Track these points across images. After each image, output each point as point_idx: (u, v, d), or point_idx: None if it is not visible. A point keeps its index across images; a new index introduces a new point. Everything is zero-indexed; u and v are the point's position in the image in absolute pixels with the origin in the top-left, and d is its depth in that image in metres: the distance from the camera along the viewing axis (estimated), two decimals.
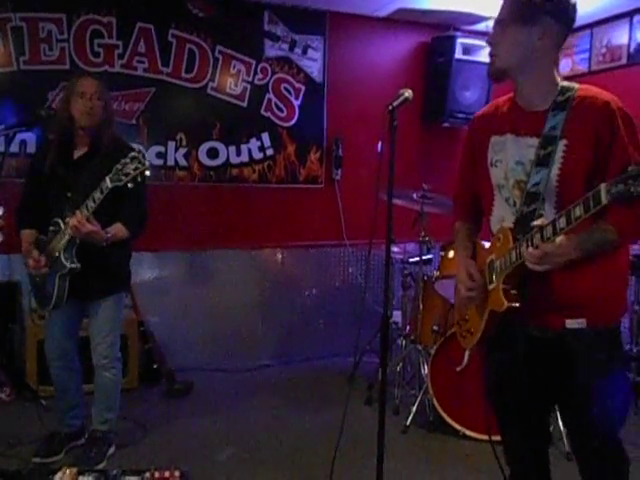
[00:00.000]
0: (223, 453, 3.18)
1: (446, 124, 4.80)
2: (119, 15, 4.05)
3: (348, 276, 4.91)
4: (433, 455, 3.22)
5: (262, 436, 3.39)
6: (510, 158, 1.85)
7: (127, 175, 2.53)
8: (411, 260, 4.02)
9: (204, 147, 4.38)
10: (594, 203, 1.48)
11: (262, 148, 4.54)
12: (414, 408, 3.48)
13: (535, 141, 1.79)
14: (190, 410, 3.72)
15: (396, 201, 3.70)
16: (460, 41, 4.59)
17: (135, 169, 2.53)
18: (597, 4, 4.13)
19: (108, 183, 2.56)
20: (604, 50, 4.57)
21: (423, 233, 3.78)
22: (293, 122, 4.59)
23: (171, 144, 4.29)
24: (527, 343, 1.87)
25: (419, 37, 4.87)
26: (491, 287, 1.88)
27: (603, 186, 1.44)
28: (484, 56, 4.65)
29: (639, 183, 1.37)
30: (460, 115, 4.73)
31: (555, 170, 1.74)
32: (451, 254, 3.68)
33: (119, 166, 2.54)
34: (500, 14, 1.82)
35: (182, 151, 4.32)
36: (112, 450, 3.09)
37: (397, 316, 4.25)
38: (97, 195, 2.61)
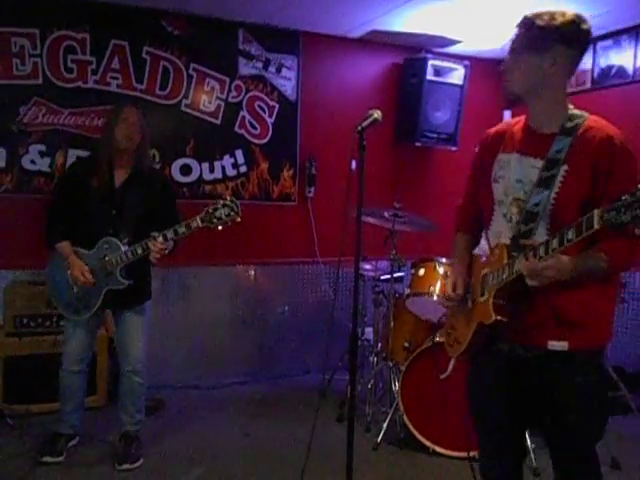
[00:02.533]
0: (193, 472, 3.15)
1: (418, 143, 4.87)
2: (93, 31, 4.05)
3: (321, 293, 4.92)
4: (403, 472, 3.23)
5: (232, 454, 3.37)
6: (512, 176, 1.90)
7: (219, 219, 2.84)
8: (382, 278, 4.06)
9: (177, 163, 4.38)
10: (586, 227, 1.53)
11: (235, 165, 4.55)
12: (385, 425, 3.49)
13: (539, 162, 1.84)
14: (160, 428, 3.68)
15: (368, 219, 3.75)
16: (431, 63, 4.68)
17: (227, 215, 2.84)
18: None
19: (199, 222, 2.85)
20: None
21: (394, 251, 3.82)
22: (267, 140, 4.62)
23: None
24: (510, 360, 1.91)
25: (391, 58, 4.95)
26: (481, 300, 1.92)
27: (596, 212, 1.50)
28: (454, 78, 4.78)
29: (631, 212, 1.42)
30: (431, 135, 4.82)
31: (553, 194, 1.79)
32: (422, 272, 3.73)
33: (210, 209, 2.83)
34: (513, 42, 1.87)
35: (155, 167, 4.32)
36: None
37: (369, 333, 4.27)
38: (182, 230, 2.89)
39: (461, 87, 4.80)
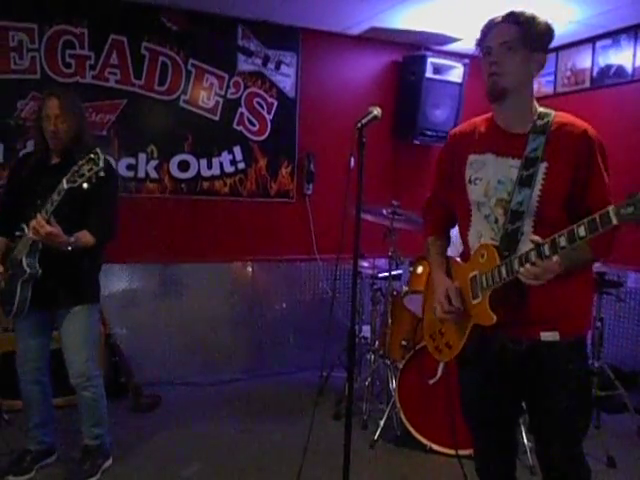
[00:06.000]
0: (189, 468, 3.14)
1: (417, 141, 4.87)
2: (91, 26, 4.03)
3: (318, 290, 4.92)
4: (400, 469, 3.23)
5: (229, 451, 3.36)
6: (492, 177, 1.91)
7: (82, 176, 2.48)
8: (380, 275, 4.05)
9: (175, 160, 4.37)
10: (602, 224, 1.50)
11: (234, 162, 4.55)
12: (382, 422, 3.49)
13: (517, 162, 1.86)
14: (157, 425, 3.68)
15: (366, 217, 3.74)
16: (431, 60, 4.68)
17: (89, 170, 2.48)
18: (562, 29, 4.26)
19: (64, 184, 2.52)
20: (569, 73, 4.71)
21: (392, 249, 3.81)
22: (265, 136, 4.61)
23: (142, 156, 4.27)
24: (501, 355, 1.92)
25: (391, 56, 4.95)
26: (475, 302, 1.90)
27: (611, 208, 1.48)
28: (454, 75, 4.77)
29: None
30: (430, 133, 4.81)
31: (536, 191, 1.81)
32: (420, 269, 3.72)
33: (75, 167, 2.50)
34: (509, 36, 1.84)
35: (153, 163, 4.31)
36: (109, 463, 3.06)
37: (366, 331, 4.27)
38: (55, 197, 2.55)
39: (460, 85, 4.79)
